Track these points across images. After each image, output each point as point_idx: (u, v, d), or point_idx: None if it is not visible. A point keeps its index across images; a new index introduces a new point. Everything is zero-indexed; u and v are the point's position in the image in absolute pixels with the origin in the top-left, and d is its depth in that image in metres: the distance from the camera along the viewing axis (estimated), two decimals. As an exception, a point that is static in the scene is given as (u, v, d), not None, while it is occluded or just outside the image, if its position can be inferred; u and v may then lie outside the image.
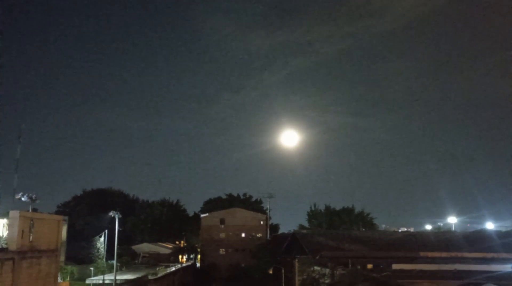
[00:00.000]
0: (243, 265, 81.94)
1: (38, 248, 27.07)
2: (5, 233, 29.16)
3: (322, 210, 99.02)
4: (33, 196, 28.19)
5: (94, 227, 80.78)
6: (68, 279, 55.47)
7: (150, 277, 53.09)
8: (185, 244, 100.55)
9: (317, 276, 48.04)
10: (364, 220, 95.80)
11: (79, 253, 69.09)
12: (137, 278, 51.52)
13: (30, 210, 28.42)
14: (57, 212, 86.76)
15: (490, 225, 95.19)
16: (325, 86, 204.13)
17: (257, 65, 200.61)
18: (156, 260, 77.77)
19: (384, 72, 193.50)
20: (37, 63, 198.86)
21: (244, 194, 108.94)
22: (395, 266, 52.11)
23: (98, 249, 70.31)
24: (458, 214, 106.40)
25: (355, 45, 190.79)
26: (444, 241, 64.22)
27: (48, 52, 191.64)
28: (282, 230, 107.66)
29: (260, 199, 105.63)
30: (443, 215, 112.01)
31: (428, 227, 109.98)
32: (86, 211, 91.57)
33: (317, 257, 54.91)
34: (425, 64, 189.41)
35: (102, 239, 70.88)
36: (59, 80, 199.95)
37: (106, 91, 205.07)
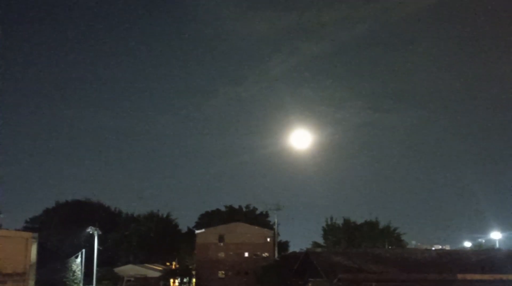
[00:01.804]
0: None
1: (4, 271, 27.25)
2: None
3: (340, 225, 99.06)
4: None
5: (69, 245, 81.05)
6: (38, 308, 55.70)
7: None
8: (177, 266, 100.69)
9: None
10: (391, 236, 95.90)
11: (51, 277, 69.13)
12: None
13: (-7, 226, 28.65)
14: (25, 228, 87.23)
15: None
16: (340, 77, 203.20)
17: (261, 53, 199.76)
18: (143, 284, 77.98)
19: (408, 61, 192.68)
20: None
21: (247, 206, 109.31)
22: (427, 291, 52.06)
23: (74, 272, 70.60)
24: (503, 228, 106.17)
25: (374, 29, 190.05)
26: (487, 261, 64.09)
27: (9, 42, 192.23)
28: (293, 248, 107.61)
29: (266, 212, 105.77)
30: (485, 230, 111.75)
31: (467, 244, 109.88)
32: (59, 227, 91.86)
33: (335, 281, 54.92)
34: (456, 52, 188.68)
35: (78, 260, 71.14)
36: (24, 75, 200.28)
37: (80, 88, 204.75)
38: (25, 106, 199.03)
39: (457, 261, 64.49)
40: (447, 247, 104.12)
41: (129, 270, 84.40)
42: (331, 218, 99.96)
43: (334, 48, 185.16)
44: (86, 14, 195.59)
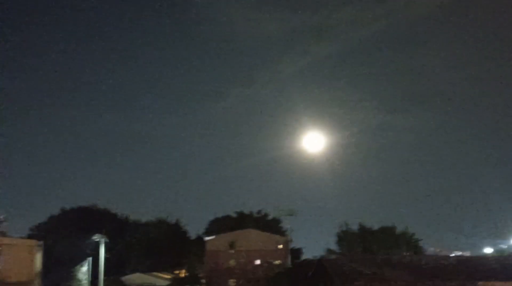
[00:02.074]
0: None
1: (7, 280, 27.08)
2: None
3: (356, 230, 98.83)
4: (0, 217, 28.22)
5: (75, 253, 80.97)
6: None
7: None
8: (186, 274, 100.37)
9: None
10: (408, 242, 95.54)
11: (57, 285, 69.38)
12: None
13: (-4, 234, 28.43)
14: (30, 236, 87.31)
15: None
16: (352, 79, 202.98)
17: (271, 54, 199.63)
18: (151, 294, 77.92)
19: (421, 62, 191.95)
20: None
21: (259, 212, 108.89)
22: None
23: (80, 280, 70.60)
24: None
25: (385, 30, 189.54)
26: (509, 267, 63.36)
27: (10, 42, 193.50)
28: (306, 255, 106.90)
29: (279, 218, 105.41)
30: (507, 235, 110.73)
31: (488, 250, 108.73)
32: (65, 234, 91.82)
33: (350, 289, 54.46)
34: (472, 53, 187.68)
35: (85, 268, 71.25)
36: (29, 78, 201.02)
37: (87, 90, 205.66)
38: (27, 109, 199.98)
39: (478, 267, 63.76)
40: (467, 254, 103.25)
41: (136, 278, 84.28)
42: (346, 224, 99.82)
43: (346, 49, 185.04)
44: (93, 15, 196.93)
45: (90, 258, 70.29)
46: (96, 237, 68.71)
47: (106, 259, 69.57)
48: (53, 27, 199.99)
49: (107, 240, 68.88)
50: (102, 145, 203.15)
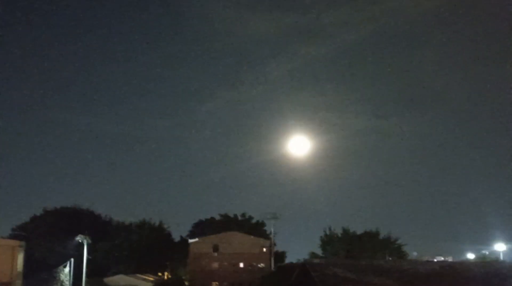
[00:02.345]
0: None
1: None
2: None
3: (339, 235, 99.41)
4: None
5: (57, 254, 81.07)
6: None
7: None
8: (169, 276, 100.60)
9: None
10: (391, 247, 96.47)
11: (39, 287, 69.33)
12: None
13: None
14: (11, 236, 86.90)
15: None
16: (342, 81, 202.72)
17: (259, 55, 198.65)
18: (133, 296, 77.99)
19: (415, 65, 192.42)
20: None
21: (243, 215, 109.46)
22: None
23: (62, 282, 70.62)
24: (508, 240, 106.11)
25: (378, 31, 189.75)
26: (491, 273, 64.12)
27: None
28: (290, 259, 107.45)
29: (263, 221, 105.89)
30: (488, 241, 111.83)
31: (471, 256, 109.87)
32: (47, 235, 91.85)
33: (333, 293, 54.92)
34: (467, 55, 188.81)
35: (67, 269, 71.18)
36: (11, 77, 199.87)
37: (71, 90, 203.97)
38: (9, 109, 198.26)
39: (460, 273, 64.44)
40: (450, 259, 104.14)
41: (119, 280, 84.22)
42: (330, 228, 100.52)
43: (336, 51, 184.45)
44: (79, 16, 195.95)
45: (72, 259, 70.22)
46: (79, 238, 68.73)
47: (88, 260, 69.68)
48: (40, 25, 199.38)
49: (90, 241, 68.93)
50: (86, 145, 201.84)
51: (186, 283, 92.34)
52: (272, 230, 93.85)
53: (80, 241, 68.69)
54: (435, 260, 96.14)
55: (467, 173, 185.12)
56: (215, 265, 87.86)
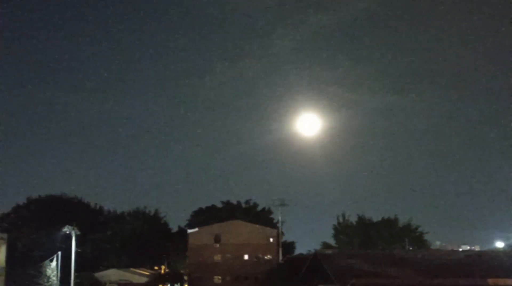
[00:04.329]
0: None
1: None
2: None
3: (354, 223, 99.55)
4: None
5: (43, 247, 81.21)
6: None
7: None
8: (167, 270, 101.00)
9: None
10: (412, 235, 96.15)
11: (23, 283, 69.43)
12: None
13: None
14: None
15: None
16: (355, 54, 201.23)
17: (263, 24, 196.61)
18: (128, 291, 78.24)
19: (434, 37, 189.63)
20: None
21: (247, 202, 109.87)
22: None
23: (49, 277, 70.64)
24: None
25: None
26: (522, 263, 63.99)
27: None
28: (300, 250, 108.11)
29: (269, 208, 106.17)
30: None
31: (500, 244, 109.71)
32: (32, 226, 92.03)
33: (348, 287, 54.85)
34: (493, 27, 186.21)
35: (54, 264, 71.09)
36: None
37: (57, 69, 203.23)
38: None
39: (488, 263, 64.18)
40: (477, 248, 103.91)
41: (111, 275, 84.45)
42: (343, 216, 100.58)
43: (349, 20, 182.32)
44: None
45: (60, 252, 70.21)
46: (66, 229, 68.58)
47: (77, 253, 69.60)
48: (30, 7, 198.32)
49: (79, 233, 68.76)
50: (75, 128, 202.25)
51: (185, 277, 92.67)
52: (280, 218, 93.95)
53: (67, 232, 68.43)
54: (460, 249, 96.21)
55: (495, 155, 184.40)
56: (217, 257, 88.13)
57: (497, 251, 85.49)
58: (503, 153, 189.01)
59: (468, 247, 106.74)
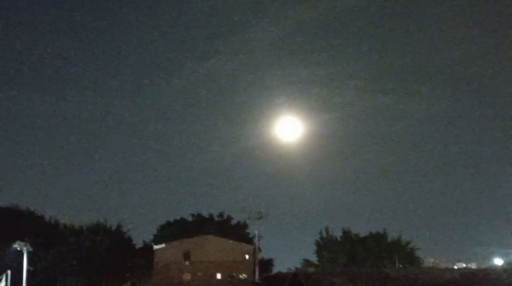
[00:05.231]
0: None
1: None
2: None
3: (339, 238, 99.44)
4: None
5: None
6: None
7: None
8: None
9: None
10: (402, 251, 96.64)
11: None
12: None
13: None
14: None
15: None
16: (342, 51, 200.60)
17: (239, 18, 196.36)
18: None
19: (425, 30, 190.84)
20: None
21: (220, 214, 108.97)
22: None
23: (-3, 299, 69.74)
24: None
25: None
26: (524, 282, 64.02)
27: None
28: (279, 268, 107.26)
29: (245, 222, 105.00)
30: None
31: (499, 262, 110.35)
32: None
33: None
34: (488, 19, 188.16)
35: (3, 284, 70.27)
36: None
37: (9, 66, 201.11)
38: None
39: (486, 282, 64.39)
40: (473, 265, 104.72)
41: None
42: (327, 230, 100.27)
43: (332, 14, 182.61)
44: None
45: (9, 272, 69.18)
46: (17, 245, 67.89)
47: (30, 272, 68.75)
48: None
49: (31, 249, 68.00)
50: (27, 131, 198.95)
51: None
52: (256, 232, 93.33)
53: (18, 248, 67.85)
54: (455, 267, 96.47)
55: (494, 163, 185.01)
56: (187, 276, 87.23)
57: (496, 269, 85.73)
58: (506, 162, 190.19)
59: (464, 265, 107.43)
